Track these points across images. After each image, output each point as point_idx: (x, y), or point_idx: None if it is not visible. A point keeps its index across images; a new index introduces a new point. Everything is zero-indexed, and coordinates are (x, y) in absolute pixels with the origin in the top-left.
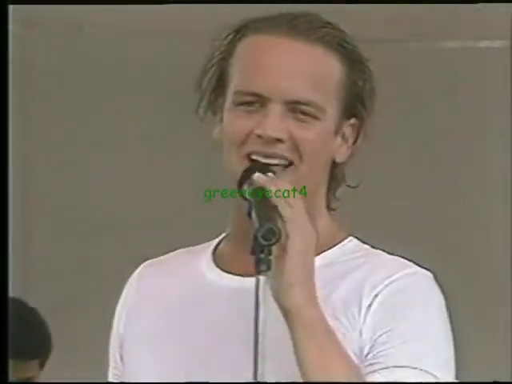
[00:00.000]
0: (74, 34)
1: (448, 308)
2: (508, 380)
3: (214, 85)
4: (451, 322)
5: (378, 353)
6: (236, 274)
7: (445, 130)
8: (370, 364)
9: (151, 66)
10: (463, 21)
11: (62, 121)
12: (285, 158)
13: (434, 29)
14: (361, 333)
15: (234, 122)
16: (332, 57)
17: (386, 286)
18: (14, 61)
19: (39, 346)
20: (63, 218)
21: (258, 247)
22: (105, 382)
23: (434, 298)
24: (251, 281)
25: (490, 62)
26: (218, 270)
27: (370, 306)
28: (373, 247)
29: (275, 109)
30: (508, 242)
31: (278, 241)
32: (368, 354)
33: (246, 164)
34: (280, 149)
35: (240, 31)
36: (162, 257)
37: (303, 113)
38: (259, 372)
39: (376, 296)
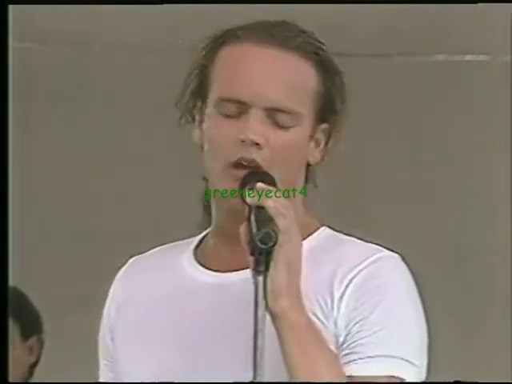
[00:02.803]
0: (81, 51)
1: (419, 288)
2: (508, 380)
3: (194, 90)
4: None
5: (353, 342)
6: (216, 270)
7: (434, 143)
8: (347, 354)
9: (156, 83)
10: (450, 35)
11: (65, 131)
12: (260, 166)
13: (421, 43)
14: (335, 322)
15: (216, 130)
16: (307, 65)
17: (356, 274)
18: (16, 76)
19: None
20: (64, 223)
21: (257, 250)
22: (104, 382)
23: (404, 281)
24: (231, 276)
25: (475, 75)
26: (198, 266)
27: (342, 295)
28: (346, 234)
29: (255, 114)
30: (507, 246)
31: (274, 244)
32: (343, 343)
33: (230, 172)
34: (258, 154)
35: (220, 39)
36: (146, 253)
37: (281, 119)
38: (258, 370)
39: (347, 286)
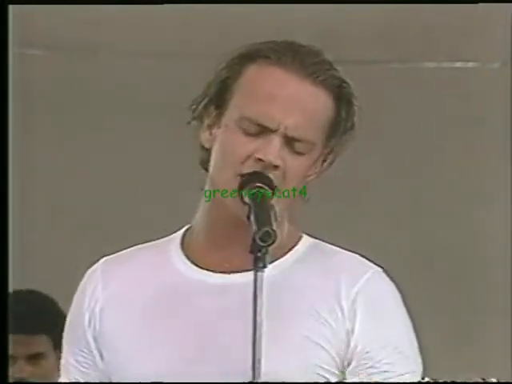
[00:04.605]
0: (83, 57)
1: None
2: (509, 380)
3: (212, 97)
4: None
5: (376, 363)
6: (214, 271)
7: (426, 148)
8: (372, 372)
9: (158, 88)
10: (440, 44)
11: (66, 134)
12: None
13: (413, 51)
14: (348, 337)
15: (234, 143)
16: (330, 97)
17: (362, 287)
18: (17, 78)
19: (43, 320)
20: (64, 223)
21: (256, 247)
22: (105, 381)
23: (399, 294)
24: (232, 278)
25: (464, 81)
26: (196, 268)
27: (354, 313)
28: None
29: (276, 139)
30: (507, 251)
31: (273, 242)
32: (364, 363)
33: (237, 182)
34: (272, 174)
35: (250, 55)
36: (121, 253)
37: (298, 146)
38: (257, 364)
39: (355, 300)
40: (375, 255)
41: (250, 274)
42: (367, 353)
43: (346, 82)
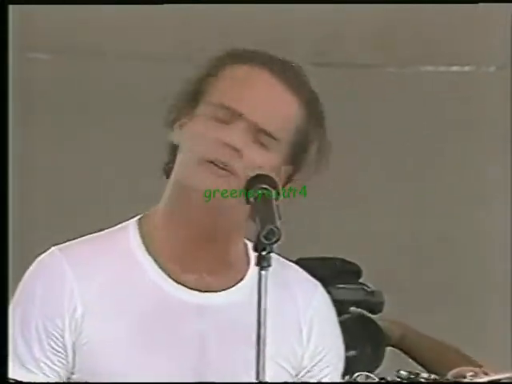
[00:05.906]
0: (87, 57)
1: None
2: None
3: (188, 96)
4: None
5: (319, 379)
6: (191, 289)
7: (425, 151)
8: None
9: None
10: (438, 47)
11: (66, 136)
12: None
13: (409, 54)
14: (302, 357)
15: (205, 129)
16: (300, 109)
17: (314, 309)
18: (18, 81)
19: None
20: (64, 222)
21: (261, 246)
22: (105, 382)
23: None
24: (213, 297)
25: (463, 84)
26: (173, 282)
27: (309, 333)
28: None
29: (242, 125)
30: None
31: (277, 240)
32: (308, 372)
33: (203, 167)
34: (235, 162)
35: (231, 57)
36: (81, 250)
37: (262, 138)
38: (261, 362)
39: (311, 321)
40: (376, 256)
41: (223, 295)
42: (312, 371)
43: (317, 99)
